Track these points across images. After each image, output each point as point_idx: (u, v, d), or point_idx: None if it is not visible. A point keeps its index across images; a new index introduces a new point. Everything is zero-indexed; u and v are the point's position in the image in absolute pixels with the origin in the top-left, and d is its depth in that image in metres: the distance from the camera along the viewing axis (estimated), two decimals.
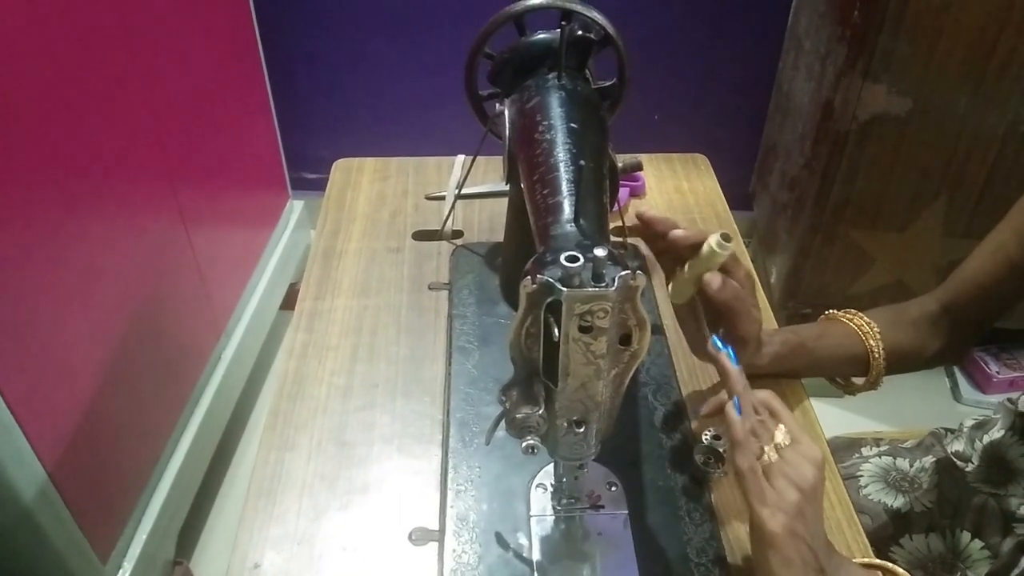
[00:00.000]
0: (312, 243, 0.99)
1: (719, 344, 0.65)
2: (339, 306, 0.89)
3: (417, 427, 0.76)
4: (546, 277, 0.51)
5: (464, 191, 1.03)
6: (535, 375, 0.56)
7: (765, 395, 0.63)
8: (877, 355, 0.80)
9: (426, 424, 0.77)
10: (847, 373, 0.83)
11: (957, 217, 1.56)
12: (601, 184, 0.67)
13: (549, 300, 0.52)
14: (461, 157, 1.11)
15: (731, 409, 0.61)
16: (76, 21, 1.04)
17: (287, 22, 1.83)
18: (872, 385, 0.82)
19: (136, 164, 1.21)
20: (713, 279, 0.68)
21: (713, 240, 0.67)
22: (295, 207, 1.94)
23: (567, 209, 0.61)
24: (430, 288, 0.92)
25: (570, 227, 0.59)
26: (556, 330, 0.52)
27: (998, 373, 1.76)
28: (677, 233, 0.69)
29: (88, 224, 1.08)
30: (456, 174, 1.08)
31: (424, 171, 1.11)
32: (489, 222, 1.02)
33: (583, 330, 0.52)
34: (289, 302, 1.68)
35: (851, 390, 0.84)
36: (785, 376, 0.80)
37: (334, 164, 1.12)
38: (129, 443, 1.23)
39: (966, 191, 1.53)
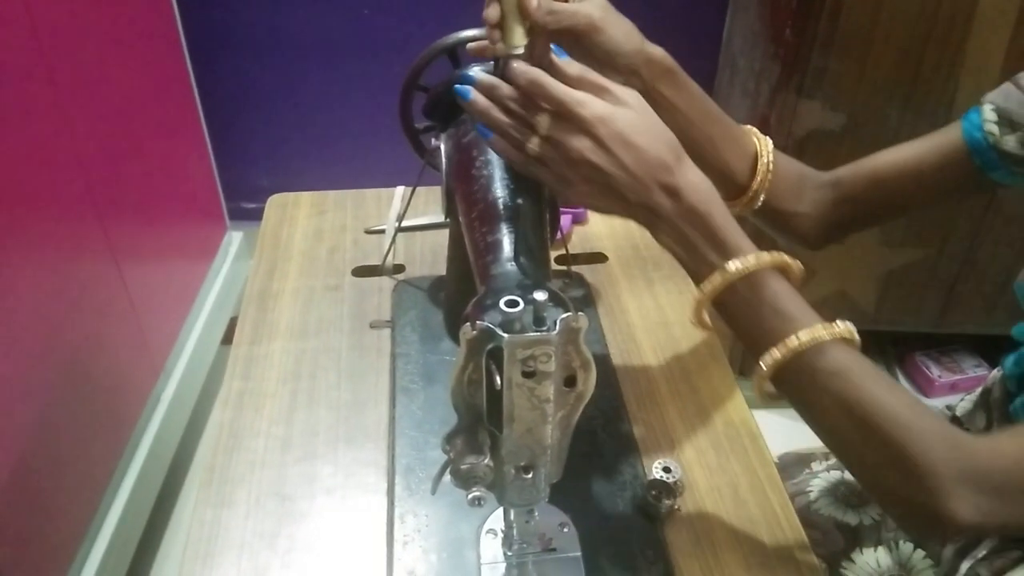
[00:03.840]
0: (246, 284, 0.96)
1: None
2: (276, 350, 0.86)
3: (361, 476, 0.73)
4: (486, 323, 0.49)
5: (405, 224, 1.01)
6: (479, 422, 0.54)
7: (536, 74, 0.54)
8: (765, 161, 0.74)
9: (370, 472, 0.74)
10: (726, 160, 0.75)
11: (893, 226, 1.59)
12: (541, 219, 0.65)
13: (490, 346, 0.50)
14: (401, 188, 1.08)
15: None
16: None
17: (219, 51, 1.79)
18: (752, 201, 0.76)
19: (59, 199, 1.16)
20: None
21: None
22: (234, 238, 1.89)
23: (507, 247, 0.59)
24: (372, 326, 0.90)
25: (510, 266, 0.58)
26: (498, 377, 0.51)
27: (940, 377, 1.80)
28: None
29: (8, 264, 1.03)
30: (396, 206, 1.06)
31: (363, 204, 1.09)
32: (432, 255, 1.00)
33: (526, 375, 0.50)
34: (231, 336, 1.64)
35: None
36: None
37: (268, 200, 1.09)
38: (62, 498, 1.16)
39: None
